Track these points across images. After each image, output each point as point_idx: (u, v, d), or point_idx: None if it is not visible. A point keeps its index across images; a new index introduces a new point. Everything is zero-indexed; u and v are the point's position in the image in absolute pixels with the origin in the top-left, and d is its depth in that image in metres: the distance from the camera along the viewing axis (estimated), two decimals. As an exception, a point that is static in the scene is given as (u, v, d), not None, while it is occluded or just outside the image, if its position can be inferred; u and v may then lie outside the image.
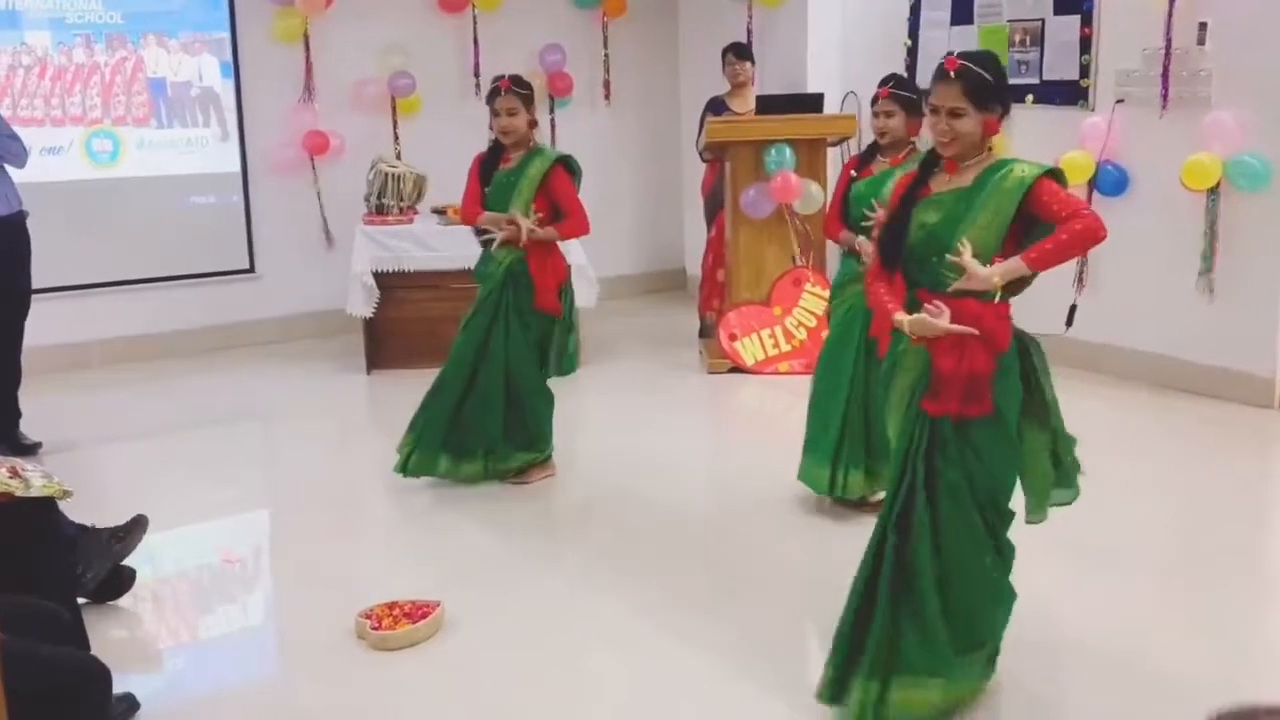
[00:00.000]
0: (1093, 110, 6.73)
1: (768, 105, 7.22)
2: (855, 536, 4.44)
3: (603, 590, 4.24)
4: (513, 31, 8.61)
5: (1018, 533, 3.33)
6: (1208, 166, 6.05)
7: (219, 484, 5.55)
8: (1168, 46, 6.28)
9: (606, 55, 9.25)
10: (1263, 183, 5.98)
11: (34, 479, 3.35)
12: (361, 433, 6.64)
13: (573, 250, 7.16)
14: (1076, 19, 6.81)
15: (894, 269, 3.27)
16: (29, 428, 5.93)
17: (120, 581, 4.20)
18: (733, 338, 7.14)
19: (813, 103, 7.28)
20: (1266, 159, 5.97)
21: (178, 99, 7.83)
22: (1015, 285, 3.18)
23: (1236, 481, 5.24)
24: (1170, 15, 6.23)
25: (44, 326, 6.44)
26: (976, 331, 3.08)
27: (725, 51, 7.77)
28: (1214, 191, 6.16)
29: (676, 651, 3.77)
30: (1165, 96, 6.32)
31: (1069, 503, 3.38)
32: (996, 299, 3.11)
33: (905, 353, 3.24)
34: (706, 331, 7.72)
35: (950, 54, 3.23)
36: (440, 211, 7.32)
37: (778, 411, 6.64)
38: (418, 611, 3.92)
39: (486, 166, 5.20)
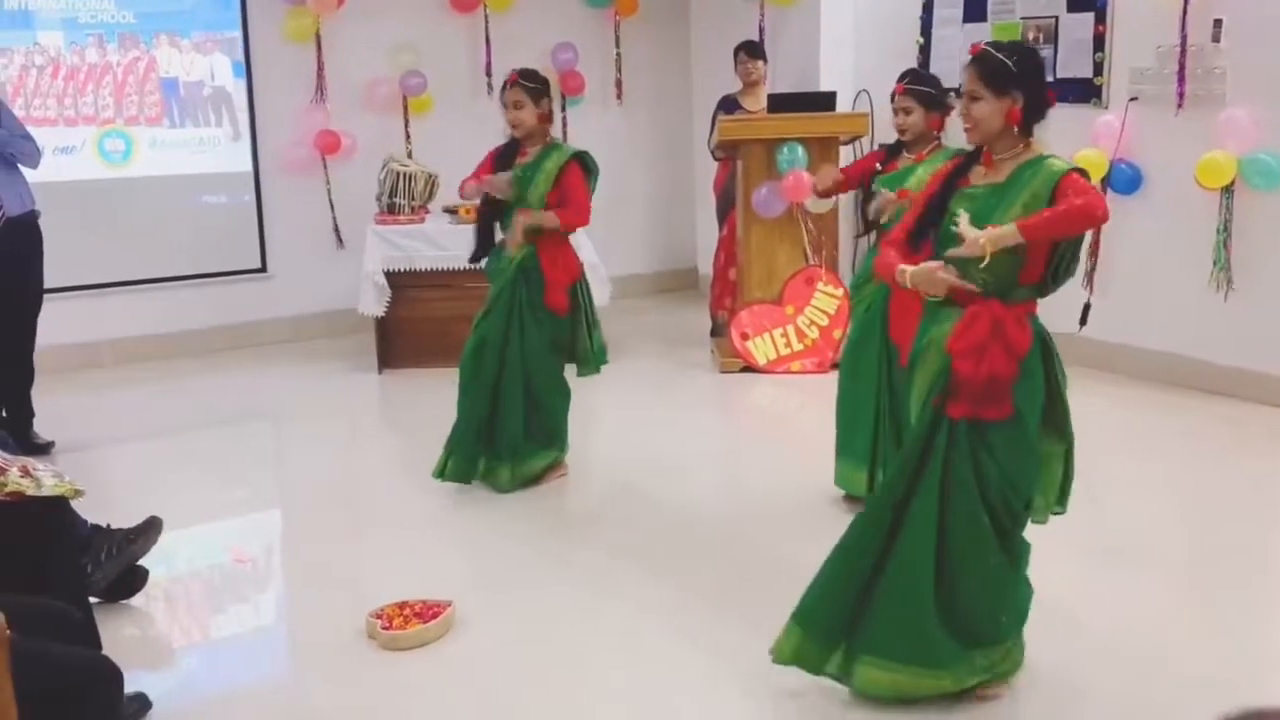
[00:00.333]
0: (1106, 108, 6.70)
1: (780, 104, 7.21)
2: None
3: (613, 591, 4.22)
4: (525, 30, 8.61)
5: (1029, 530, 3.32)
6: (1222, 164, 6.01)
7: (230, 483, 5.56)
8: (1183, 44, 6.24)
9: (619, 54, 9.24)
10: (1278, 181, 5.94)
11: (45, 478, 3.35)
12: (373, 432, 6.65)
13: (584, 249, 7.16)
14: (1090, 16, 6.78)
15: (917, 246, 3.26)
16: (41, 427, 5.95)
17: (133, 581, 4.20)
18: (745, 337, 7.12)
19: (825, 101, 7.26)
20: (1282, 157, 5.94)
21: (190, 99, 7.84)
22: (1038, 287, 3.16)
23: (1249, 480, 5.21)
24: (1185, 12, 6.19)
25: (56, 326, 6.46)
26: (975, 288, 3.06)
27: (737, 50, 7.75)
28: (1228, 190, 6.12)
29: (686, 652, 3.75)
30: (1181, 94, 6.29)
31: (1062, 512, 3.38)
32: (985, 262, 3.06)
33: (926, 349, 3.23)
34: (718, 330, 7.70)
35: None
36: (452, 211, 7.31)
37: (790, 411, 6.63)
38: (428, 611, 3.92)
39: (503, 159, 5.16)
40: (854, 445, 4.77)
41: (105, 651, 3.11)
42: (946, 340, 3.15)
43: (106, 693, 2.79)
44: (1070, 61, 6.89)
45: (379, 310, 7.17)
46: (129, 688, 3.07)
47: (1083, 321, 5.81)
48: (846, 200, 7.37)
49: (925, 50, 7.78)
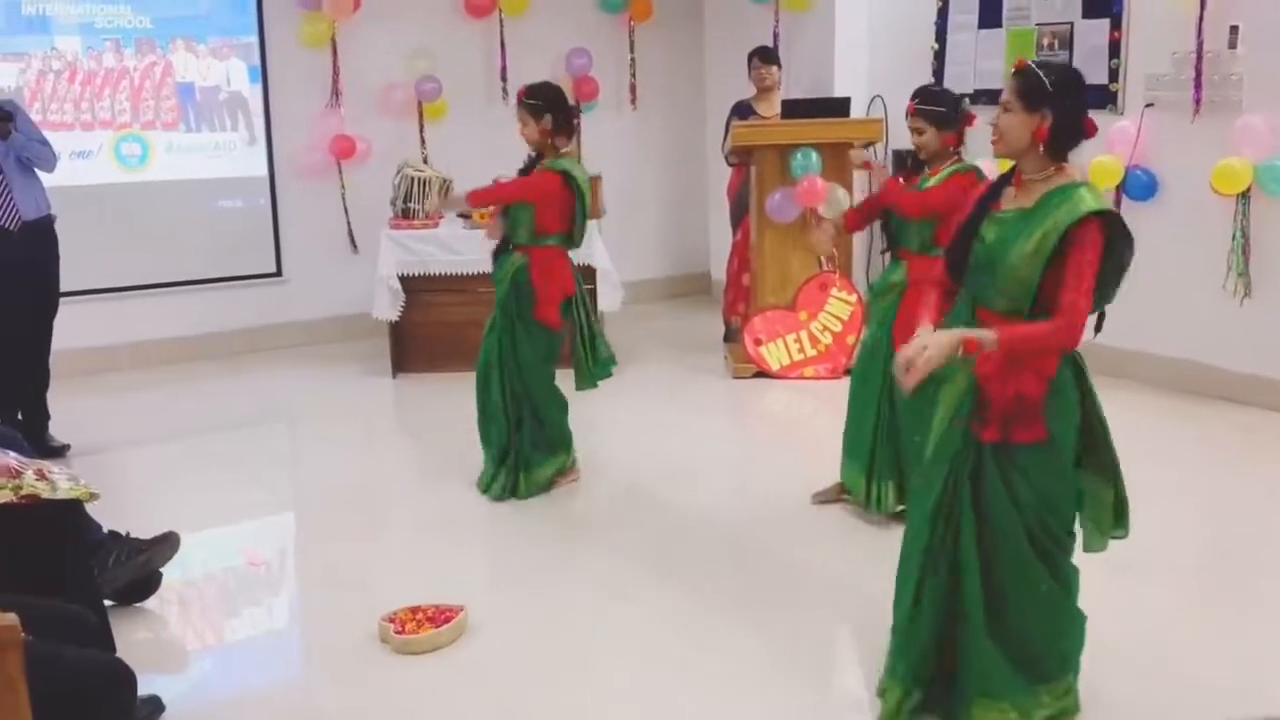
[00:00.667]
0: (1122, 114, 6.68)
1: (793, 109, 7.20)
2: (880, 542, 4.44)
3: (626, 596, 4.23)
4: (539, 35, 8.62)
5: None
6: (1238, 171, 5.99)
7: (245, 486, 5.58)
8: (1199, 50, 6.22)
9: (633, 59, 9.25)
10: (1294, 187, 5.93)
11: (61, 481, 3.36)
12: (386, 436, 6.66)
13: (597, 254, 7.19)
14: (1106, 22, 6.76)
15: (958, 277, 3.21)
16: (58, 430, 5.98)
17: (147, 584, 4.22)
18: (758, 342, 7.11)
19: (839, 107, 7.25)
20: (1298, 163, 5.91)
21: (206, 103, 7.88)
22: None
23: (1263, 487, 5.19)
24: (1201, 18, 6.17)
25: (73, 329, 6.49)
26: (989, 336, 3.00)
27: (751, 56, 7.75)
28: (1244, 196, 6.10)
29: (698, 658, 3.75)
30: (1197, 100, 6.26)
31: (1124, 536, 3.28)
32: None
33: (954, 370, 3.13)
34: (731, 336, 7.70)
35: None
36: (466, 216, 7.33)
37: (802, 416, 6.62)
38: (441, 616, 3.92)
39: (524, 174, 5.20)
40: (857, 448, 4.84)
41: (119, 654, 3.12)
42: (974, 363, 3.08)
43: (120, 696, 2.79)
44: (1086, 68, 6.82)
45: (393, 314, 7.19)
46: (142, 690, 3.07)
47: (1098, 328, 5.79)
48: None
49: (940, 56, 7.77)
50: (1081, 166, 3.15)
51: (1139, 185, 6.53)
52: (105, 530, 4.12)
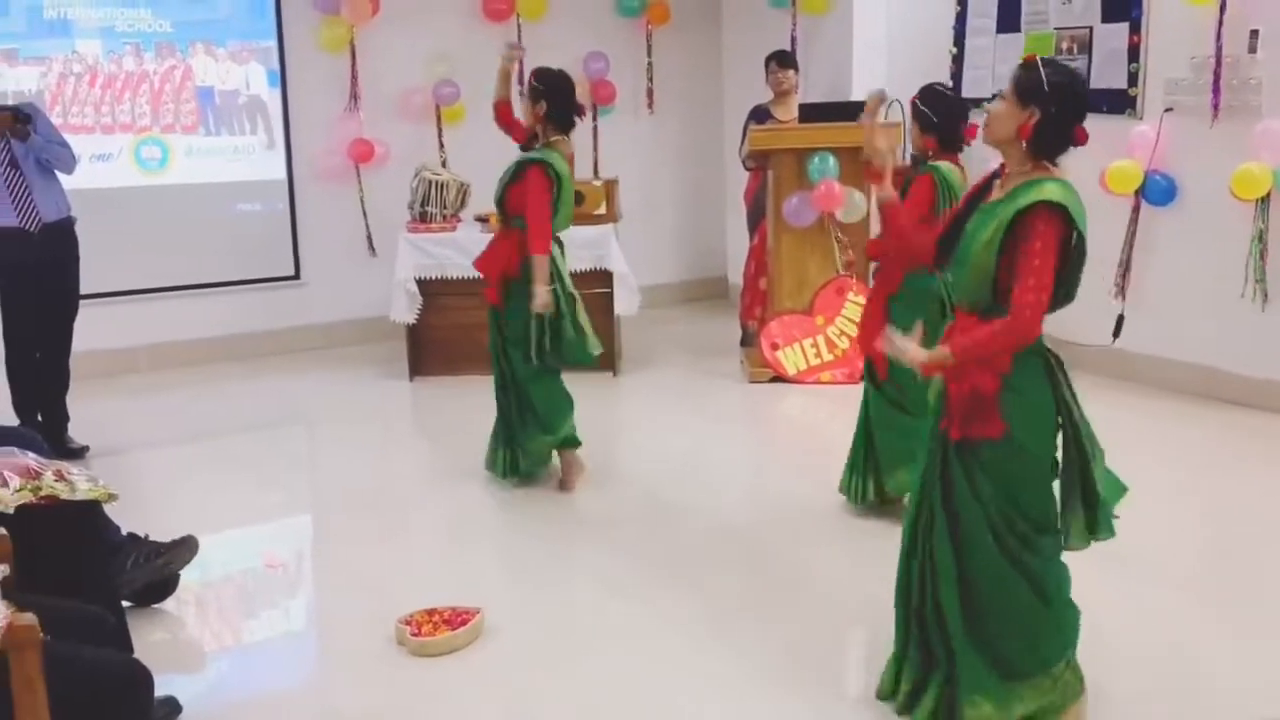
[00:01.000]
0: (1141, 119, 6.65)
1: (811, 113, 7.19)
2: (887, 544, 4.41)
3: (643, 599, 4.23)
4: (557, 40, 8.63)
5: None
6: (1258, 176, 5.95)
7: (263, 489, 5.60)
8: (1218, 54, 6.19)
9: (650, 63, 9.26)
10: (1315, 192, 5.90)
11: (80, 482, 3.37)
12: (404, 439, 6.67)
13: (614, 258, 7.19)
14: (1125, 27, 6.73)
15: (944, 267, 3.25)
16: (77, 431, 6.01)
17: (164, 585, 4.23)
18: (775, 347, 7.11)
19: (857, 111, 7.15)
20: (1319, 168, 5.88)
21: (225, 107, 7.91)
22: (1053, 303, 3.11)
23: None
24: (1221, 23, 6.14)
25: (92, 331, 6.53)
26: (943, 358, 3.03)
27: (769, 60, 7.75)
28: (1264, 201, 6.06)
29: (715, 662, 3.75)
30: (1216, 105, 6.24)
31: (1104, 538, 3.23)
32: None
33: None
34: (748, 340, 7.69)
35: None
36: (483, 219, 7.34)
37: (819, 421, 6.61)
38: (457, 618, 3.93)
39: (524, 149, 5.32)
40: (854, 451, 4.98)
41: (136, 655, 3.13)
42: None
43: (137, 696, 2.81)
44: (1105, 72, 6.85)
45: (410, 318, 7.21)
46: (159, 691, 3.09)
47: (1116, 334, 5.78)
48: (876, 212, 7.33)
49: (958, 60, 7.76)
50: (1067, 187, 3.06)
51: (1158, 190, 6.51)
52: (124, 533, 4.14)
